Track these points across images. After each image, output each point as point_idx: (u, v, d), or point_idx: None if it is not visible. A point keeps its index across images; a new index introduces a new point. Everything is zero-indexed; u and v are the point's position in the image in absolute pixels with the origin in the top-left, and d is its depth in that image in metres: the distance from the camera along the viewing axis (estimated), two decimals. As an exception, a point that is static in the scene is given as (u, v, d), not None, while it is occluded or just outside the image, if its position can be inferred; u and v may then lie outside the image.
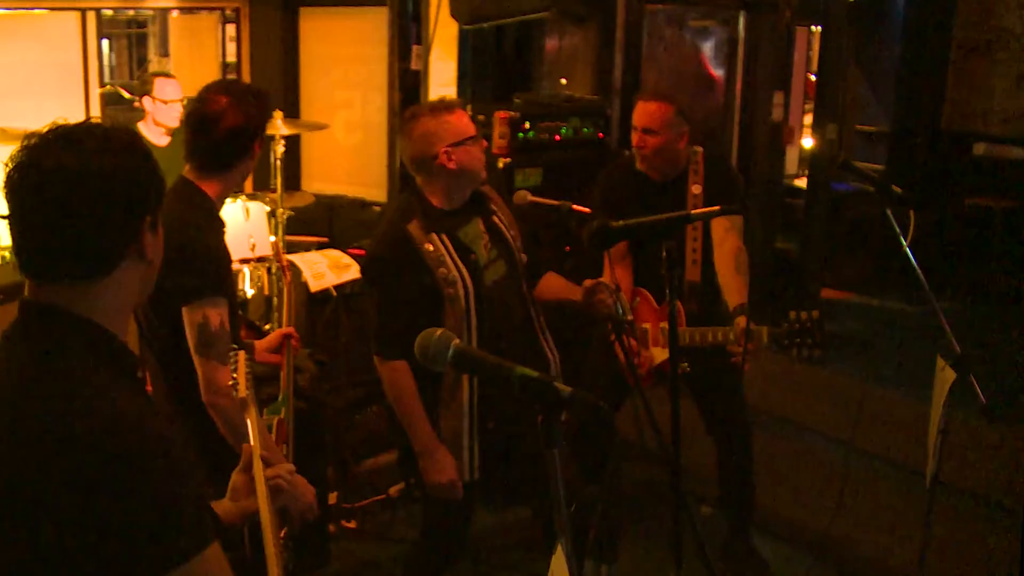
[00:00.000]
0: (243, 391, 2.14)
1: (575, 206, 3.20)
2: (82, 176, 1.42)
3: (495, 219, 3.07)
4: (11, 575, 1.36)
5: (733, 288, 3.46)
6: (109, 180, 1.44)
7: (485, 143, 3.08)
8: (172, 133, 5.21)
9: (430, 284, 2.88)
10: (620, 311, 2.87)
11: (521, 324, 3.05)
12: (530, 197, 3.27)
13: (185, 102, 5.30)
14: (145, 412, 1.44)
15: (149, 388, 2.90)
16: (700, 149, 3.71)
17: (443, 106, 2.97)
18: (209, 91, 2.71)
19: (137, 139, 1.53)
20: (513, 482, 3.14)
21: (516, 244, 3.10)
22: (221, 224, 2.73)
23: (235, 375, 2.16)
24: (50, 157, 1.42)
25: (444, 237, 2.93)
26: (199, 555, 1.38)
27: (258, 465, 1.84)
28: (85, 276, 1.46)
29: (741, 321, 3.30)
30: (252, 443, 1.97)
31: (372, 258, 3.07)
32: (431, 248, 2.90)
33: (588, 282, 2.98)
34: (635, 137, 3.63)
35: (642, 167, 3.66)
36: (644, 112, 3.61)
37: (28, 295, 1.49)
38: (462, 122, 2.95)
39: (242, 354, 2.19)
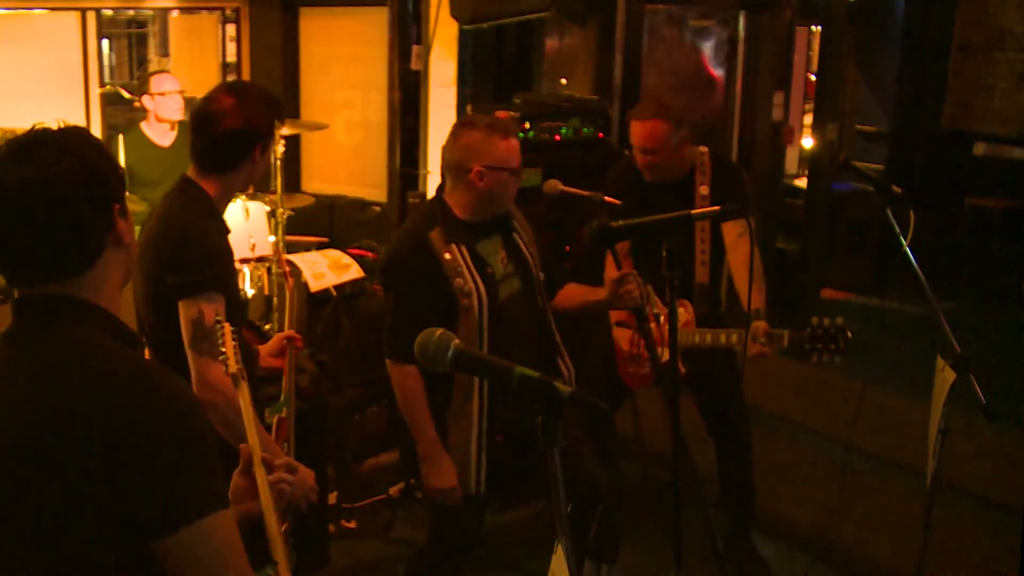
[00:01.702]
0: (233, 366, 2.07)
1: (607, 197, 3.19)
2: (46, 184, 1.46)
3: (515, 236, 3.09)
4: (34, 534, 1.41)
5: (749, 292, 3.44)
6: (72, 182, 1.47)
7: (524, 177, 3.07)
8: (176, 127, 5.20)
9: (446, 293, 2.89)
10: (645, 302, 2.86)
11: (534, 340, 3.06)
12: (560, 186, 3.26)
13: (185, 95, 5.31)
14: (167, 375, 1.49)
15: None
16: (706, 149, 3.68)
17: (499, 127, 2.95)
18: (217, 91, 2.71)
19: (88, 135, 1.56)
20: (521, 484, 3.14)
21: (534, 261, 3.10)
22: (222, 223, 2.72)
23: (223, 348, 2.11)
24: (10, 172, 1.46)
25: (463, 248, 2.94)
26: (213, 515, 1.42)
27: (258, 460, 1.83)
28: (70, 275, 1.51)
29: (760, 325, 3.28)
30: (246, 419, 1.95)
31: (391, 261, 3.05)
32: (449, 257, 2.91)
33: (614, 274, 2.94)
34: (636, 155, 3.59)
35: (648, 178, 3.63)
36: (640, 133, 3.55)
37: (20, 294, 1.54)
38: (509, 150, 2.94)
39: (227, 326, 2.14)
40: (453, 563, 3.19)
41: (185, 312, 2.54)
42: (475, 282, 2.91)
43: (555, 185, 3.26)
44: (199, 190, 2.67)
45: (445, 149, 3.00)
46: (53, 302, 1.50)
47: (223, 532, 1.44)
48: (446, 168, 2.99)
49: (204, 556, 1.41)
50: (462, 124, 3.00)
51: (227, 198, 2.76)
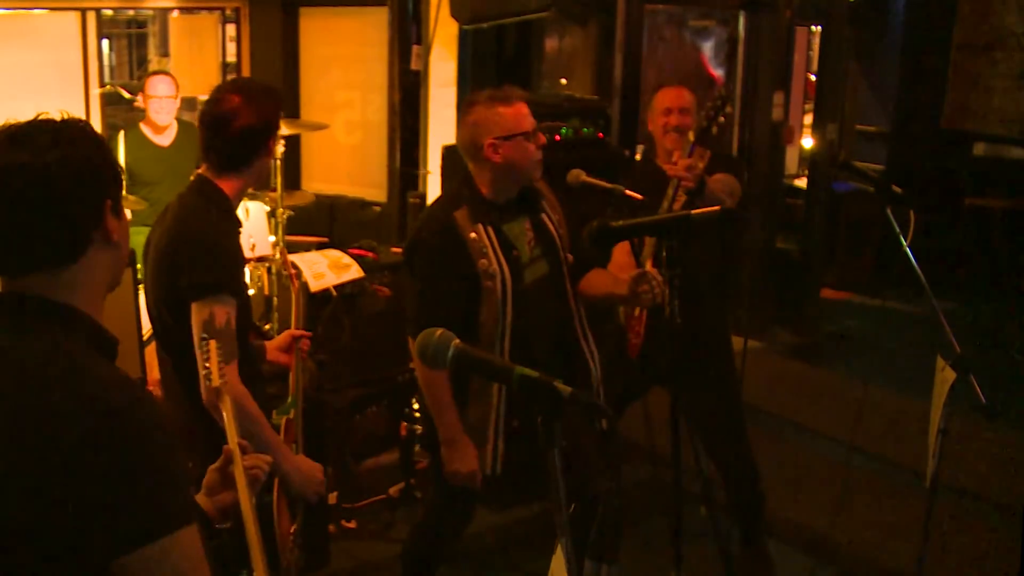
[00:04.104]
0: (216, 380, 2.09)
1: (628, 191, 3.18)
2: (38, 171, 1.45)
3: (544, 218, 3.05)
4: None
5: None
6: (65, 171, 1.46)
7: (543, 139, 3.00)
8: (176, 126, 5.18)
9: (470, 274, 2.86)
10: (662, 302, 2.86)
11: (559, 325, 3.02)
12: (583, 177, 3.24)
13: (181, 96, 5.30)
14: (132, 389, 1.46)
15: (158, 392, 2.90)
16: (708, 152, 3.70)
17: (500, 97, 2.92)
18: (221, 91, 2.71)
19: (88, 128, 1.55)
20: (528, 480, 3.13)
21: (563, 243, 3.06)
22: (237, 223, 2.73)
23: (207, 364, 2.12)
24: (3, 156, 1.46)
25: (489, 229, 2.90)
26: (176, 532, 1.40)
27: (237, 459, 1.83)
28: (53, 266, 1.49)
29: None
30: (228, 431, 1.95)
31: (416, 241, 3.00)
32: (475, 237, 2.88)
33: (634, 272, 2.93)
34: (672, 118, 3.62)
35: (673, 146, 3.60)
36: (674, 95, 3.64)
37: (1, 288, 1.52)
38: (516, 116, 2.90)
39: (213, 343, 2.16)
40: (446, 543, 3.23)
41: (197, 314, 2.54)
42: (500, 264, 2.88)
43: (578, 175, 3.25)
44: (216, 189, 2.67)
45: (457, 133, 2.99)
46: (27, 304, 1.48)
47: (184, 548, 1.41)
48: (463, 151, 2.97)
49: (164, 573, 1.39)
50: (466, 104, 2.97)
51: (242, 195, 2.78)
